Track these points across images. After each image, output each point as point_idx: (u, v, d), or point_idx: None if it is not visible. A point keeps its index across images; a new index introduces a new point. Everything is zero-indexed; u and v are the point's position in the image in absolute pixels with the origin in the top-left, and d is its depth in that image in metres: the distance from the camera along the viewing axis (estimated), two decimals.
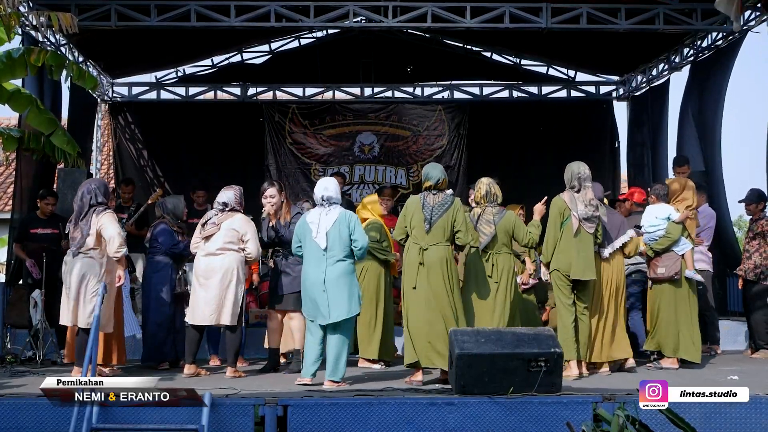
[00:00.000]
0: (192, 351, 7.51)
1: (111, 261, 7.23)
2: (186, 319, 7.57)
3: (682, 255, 7.91)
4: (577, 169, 7.44)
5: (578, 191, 7.36)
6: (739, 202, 9.26)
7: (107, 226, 7.21)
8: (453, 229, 7.06)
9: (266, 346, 8.02)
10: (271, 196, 7.81)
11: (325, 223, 6.92)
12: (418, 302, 6.98)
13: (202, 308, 7.39)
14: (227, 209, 7.53)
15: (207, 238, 7.45)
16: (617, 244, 7.56)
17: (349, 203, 10.89)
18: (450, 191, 7.33)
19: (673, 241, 7.87)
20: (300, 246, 7.07)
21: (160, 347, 8.06)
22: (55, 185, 10.27)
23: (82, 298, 7.20)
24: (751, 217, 9.27)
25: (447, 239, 7.08)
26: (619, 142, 14.12)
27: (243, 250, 7.48)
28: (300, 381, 6.85)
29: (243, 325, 7.67)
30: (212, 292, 7.37)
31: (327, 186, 7.05)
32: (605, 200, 8.02)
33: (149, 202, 9.91)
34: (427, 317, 6.93)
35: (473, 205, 7.78)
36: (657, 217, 7.94)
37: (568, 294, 7.37)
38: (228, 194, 7.60)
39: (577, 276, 7.28)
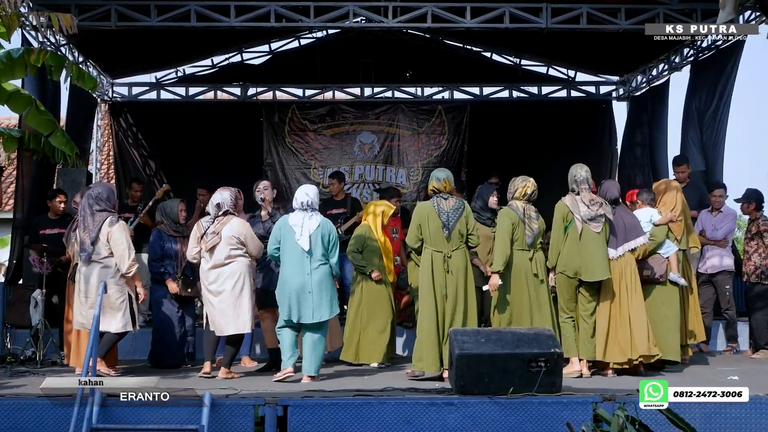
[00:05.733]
0: (210, 351, 7.53)
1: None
2: (207, 327, 7.57)
3: (668, 257, 7.93)
4: (574, 171, 7.49)
5: (578, 194, 7.38)
6: (735, 200, 9.31)
7: (119, 241, 7.29)
8: (467, 233, 7.19)
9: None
10: (264, 189, 8.12)
11: (308, 227, 7.12)
12: (447, 309, 7.07)
13: (219, 319, 7.38)
14: (221, 213, 7.49)
15: (210, 249, 7.40)
16: (629, 246, 7.52)
17: (354, 201, 10.93)
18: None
19: (658, 244, 7.91)
20: (278, 248, 7.19)
21: (167, 349, 8.09)
22: (54, 185, 10.26)
23: (108, 306, 7.23)
24: (748, 217, 9.31)
25: (463, 243, 7.21)
26: (618, 144, 14.10)
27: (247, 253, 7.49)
28: (283, 373, 6.98)
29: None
30: (225, 303, 7.36)
31: (308, 192, 7.27)
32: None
33: (157, 197, 9.92)
34: (455, 323, 7.02)
35: (510, 200, 7.69)
36: (641, 220, 7.95)
37: (568, 297, 7.39)
38: (224, 195, 7.55)
39: (591, 278, 7.26)
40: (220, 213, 7.47)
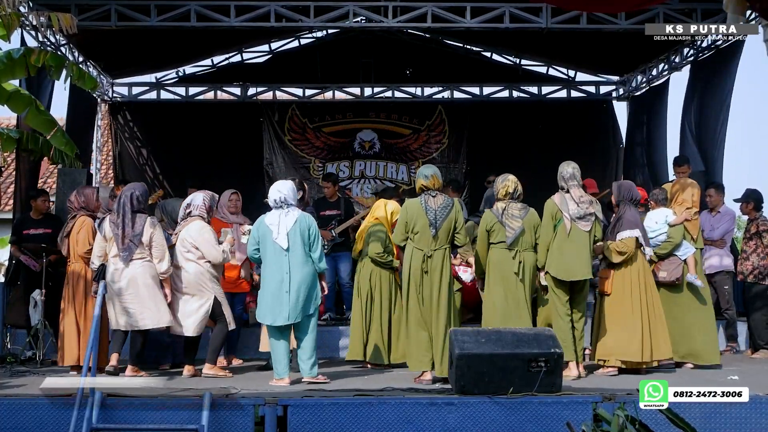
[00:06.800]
0: (190, 355, 7.51)
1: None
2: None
3: (685, 260, 7.91)
4: (561, 169, 7.46)
5: (567, 191, 7.35)
6: (734, 200, 9.32)
7: (159, 243, 7.33)
8: (455, 231, 7.09)
9: (261, 349, 7.92)
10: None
11: (285, 224, 6.98)
12: (421, 308, 7.01)
13: (181, 319, 7.41)
14: (186, 215, 7.50)
15: (170, 248, 7.42)
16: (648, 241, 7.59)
17: (348, 203, 10.93)
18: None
19: (676, 245, 7.88)
20: (257, 249, 7.08)
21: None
22: (40, 183, 10.25)
23: (155, 302, 7.27)
24: (747, 217, 9.32)
25: (449, 242, 7.12)
26: (623, 144, 14.08)
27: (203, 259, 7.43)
28: (277, 382, 6.89)
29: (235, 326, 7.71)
30: (179, 304, 7.39)
31: (280, 189, 7.12)
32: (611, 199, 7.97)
33: (149, 202, 9.90)
34: (428, 321, 7.00)
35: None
36: (657, 222, 7.95)
37: (563, 296, 7.32)
38: (195, 199, 7.55)
39: (574, 277, 7.24)
40: (186, 215, 7.48)
